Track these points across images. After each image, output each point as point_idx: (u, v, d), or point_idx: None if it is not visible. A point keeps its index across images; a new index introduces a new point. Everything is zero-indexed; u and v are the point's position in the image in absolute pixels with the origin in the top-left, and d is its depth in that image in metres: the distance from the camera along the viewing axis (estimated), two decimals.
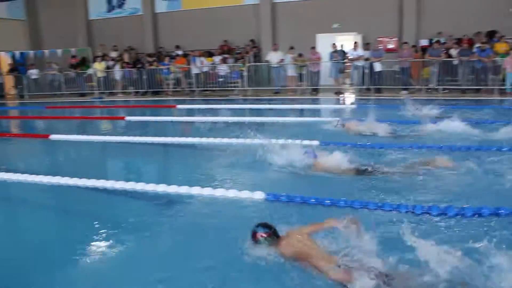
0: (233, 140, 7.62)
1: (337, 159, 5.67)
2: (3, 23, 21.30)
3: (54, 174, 6.04)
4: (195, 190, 5.10)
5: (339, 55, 15.96)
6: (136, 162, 7.47)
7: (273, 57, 16.41)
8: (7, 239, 4.38)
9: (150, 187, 5.31)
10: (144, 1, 21.11)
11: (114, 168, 7.35)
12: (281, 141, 6.14)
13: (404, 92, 14.67)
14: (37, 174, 6.10)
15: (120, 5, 22.03)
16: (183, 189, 5.16)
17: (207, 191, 5.08)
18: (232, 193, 4.96)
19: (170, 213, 4.67)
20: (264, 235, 3.37)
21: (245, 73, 16.58)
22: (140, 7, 21.44)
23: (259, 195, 4.82)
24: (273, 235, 3.39)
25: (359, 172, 5.44)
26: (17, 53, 19.00)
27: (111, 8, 22.26)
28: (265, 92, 16.50)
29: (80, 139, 9.06)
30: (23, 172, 6.23)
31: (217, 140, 7.87)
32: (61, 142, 9.10)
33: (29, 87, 19.89)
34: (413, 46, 15.70)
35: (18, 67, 20.83)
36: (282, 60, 16.25)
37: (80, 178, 5.76)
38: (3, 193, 5.99)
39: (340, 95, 15.23)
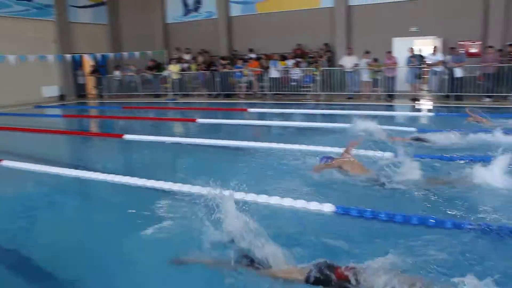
0: (303, 147, 7.75)
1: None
2: (88, 28, 23.10)
3: (123, 173, 6.46)
4: (262, 199, 5.13)
5: (416, 60, 15.71)
6: (203, 165, 7.41)
7: (347, 62, 16.50)
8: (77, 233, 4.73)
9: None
10: (219, 5, 21.94)
11: (181, 170, 7.34)
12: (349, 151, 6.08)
13: (488, 99, 14.15)
14: (108, 172, 6.56)
15: (196, 9, 23.06)
16: (250, 197, 5.13)
17: (274, 200, 5.08)
18: (300, 204, 4.95)
19: None
20: None
21: (318, 78, 16.74)
22: (215, 11, 22.32)
23: (328, 208, 4.81)
24: None
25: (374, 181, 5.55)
26: (99, 55, 20.47)
27: (187, 12, 23.35)
28: (338, 97, 16.57)
29: (152, 140, 9.50)
30: (94, 170, 6.74)
31: (287, 146, 7.94)
32: (134, 142, 9.58)
33: (108, 87, 21.28)
34: (499, 50, 15.03)
35: (99, 69, 22.38)
36: (356, 65, 16.27)
37: (148, 179, 6.07)
38: (75, 189, 6.53)
39: (416, 102, 14.95)
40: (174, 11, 23.94)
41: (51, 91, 21.64)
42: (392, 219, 4.45)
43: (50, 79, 21.68)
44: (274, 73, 17.68)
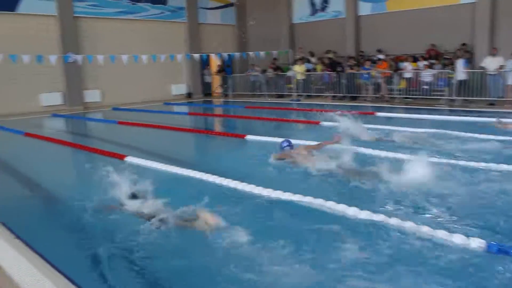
0: (435, 159, 6.98)
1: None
2: (216, 28, 24.18)
3: (233, 176, 6.31)
4: (393, 221, 4.63)
5: None
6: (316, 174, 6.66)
7: (490, 63, 15.19)
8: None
9: (325, 204, 5.16)
10: (347, 4, 21.60)
11: (290, 180, 6.62)
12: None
13: None
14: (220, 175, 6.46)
15: (323, 8, 22.91)
16: (379, 217, 4.73)
17: (409, 225, 4.50)
18: (441, 234, 4.30)
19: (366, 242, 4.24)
20: None
21: (454, 81, 15.57)
22: (343, 10, 21.97)
23: (477, 243, 4.06)
24: None
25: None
26: (225, 55, 21.22)
27: (314, 12, 23.28)
28: (477, 103, 15.28)
29: (272, 141, 9.16)
30: (208, 172, 6.67)
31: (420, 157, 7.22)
32: (254, 143, 9.46)
33: (233, 86, 21.98)
34: None
35: (225, 68, 23.23)
36: (501, 67, 14.83)
37: (257, 185, 5.89)
38: (185, 189, 6.30)
39: None
40: (301, 11, 24.05)
41: (179, 89, 23.02)
42: None
43: (179, 77, 23.05)
44: (406, 75, 16.88)
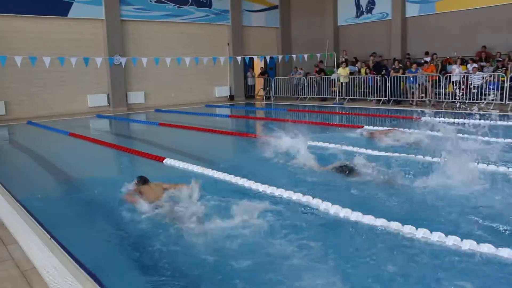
0: (485, 166, 6.84)
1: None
2: (260, 31, 24.23)
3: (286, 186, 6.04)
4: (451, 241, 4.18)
5: None
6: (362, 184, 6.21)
7: None
8: None
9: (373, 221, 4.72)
10: (394, 6, 21.18)
11: (329, 189, 6.17)
12: None
13: None
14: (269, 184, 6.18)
15: (370, 10, 22.50)
16: (435, 237, 4.28)
17: (468, 245, 4.12)
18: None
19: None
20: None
21: (506, 84, 14.87)
22: (389, 12, 21.52)
23: None
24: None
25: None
26: (268, 57, 21.14)
27: (360, 13, 22.90)
28: None
29: (314, 145, 8.95)
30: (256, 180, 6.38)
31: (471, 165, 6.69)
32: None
33: (276, 89, 21.93)
34: None
35: (268, 71, 23.21)
36: None
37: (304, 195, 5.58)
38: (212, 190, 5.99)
39: None
40: (346, 13, 23.75)
41: (222, 91, 23.18)
42: None
43: (222, 80, 23.20)
44: (454, 78, 16.27)
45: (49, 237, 4.51)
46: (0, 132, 14.61)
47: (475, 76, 15.92)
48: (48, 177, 7.88)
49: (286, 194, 5.76)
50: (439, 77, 16.73)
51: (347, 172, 6.43)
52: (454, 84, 16.37)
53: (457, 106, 15.80)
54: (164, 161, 8.08)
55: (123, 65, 17.81)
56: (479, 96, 15.83)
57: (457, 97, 16.10)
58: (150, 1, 20.47)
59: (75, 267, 3.79)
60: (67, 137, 12.14)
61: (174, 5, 21.20)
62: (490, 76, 15.65)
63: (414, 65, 17.71)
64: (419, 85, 17.17)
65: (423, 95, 17.20)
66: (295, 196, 5.63)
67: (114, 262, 4.21)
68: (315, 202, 5.37)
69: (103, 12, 18.99)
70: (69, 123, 15.54)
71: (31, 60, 14.50)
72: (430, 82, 16.95)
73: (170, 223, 4.81)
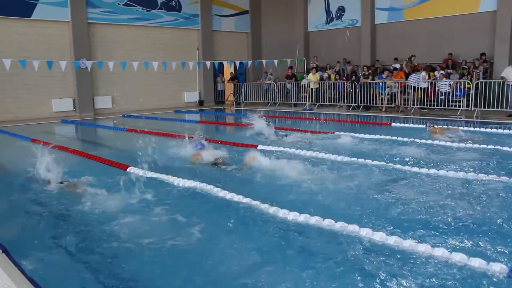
0: (459, 174, 6.95)
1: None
2: (230, 35, 24.17)
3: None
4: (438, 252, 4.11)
5: None
6: (347, 194, 6.19)
7: (510, 73, 14.64)
8: None
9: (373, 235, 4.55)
10: (363, 12, 21.49)
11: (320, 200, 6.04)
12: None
13: None
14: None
15: (339, 17, 22.72)
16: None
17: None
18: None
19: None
20: None
21: (472, 91, 15.17)
22: (359, 19, 21.77)
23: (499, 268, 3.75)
24: None
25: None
26: (237, 62, 21.09)
27: (330, 20, 23.10)
28: (495, 115, 14.89)
29: (284, 152, 9.13)
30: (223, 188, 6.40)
31: (442, 172, 7.07)
32: (266, 153, 8.95)
33: (246, 94, 21.85)
34: None
35: (238, 76, 23.12)
36: None
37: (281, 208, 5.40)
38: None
39: None
40: (316, 19, 23.93)
41: (191, 96, 22.95)
42: None
43: (192, 85, 22.98)
44: (422, 84, 16.51)
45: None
46: None
47: (442, 83, 16.19)
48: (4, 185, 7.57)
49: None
50: (407, 84, 16.95)
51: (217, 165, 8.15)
52: (422, 91, 16.64)
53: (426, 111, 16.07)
54: (128, 169, 7.87)
55: (89, 69, 17.41)
56: (446, 103, 16.11)
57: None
58: (118, 4, 20.12)
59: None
60: (28, 143, 11.73)
61: (142, 9, 20.91)
62: (457, 83, 15.96)
63: (386, 72, 17.91)
64: (391, 92, 17.40)
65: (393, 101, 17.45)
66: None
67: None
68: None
69: (69, 14, 18.54)
70: (32, 128, 15.06)
71: None
72: (399, 88, 17.16)
73: None
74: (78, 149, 10.43)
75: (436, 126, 11.76)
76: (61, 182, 6.87)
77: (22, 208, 6.06)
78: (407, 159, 8.20)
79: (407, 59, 18.67)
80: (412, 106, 16.73)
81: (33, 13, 17.80)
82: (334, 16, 23.17)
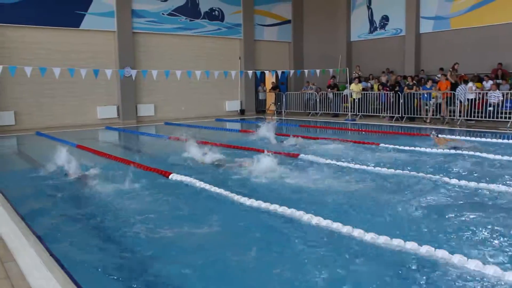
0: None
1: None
2: (272, 45, 24.27)
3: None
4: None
5: None
6: (382, 206, 5.95)
7: None
8: None
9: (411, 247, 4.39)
10: (408, 22, 21.07)
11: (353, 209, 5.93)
12: None
13: None
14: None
15: (383, 26, 22.39)
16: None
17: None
18: None
19: None
20: None
21: None
22: (403, 28, 21.41)
23: None
24: None
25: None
26: (279, 72, 21.09)
27: (373, 29, 22.82)
28: None
29: (325, 162, 8.92)
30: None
31: (492, 186, 6.70)
32: (309, 163, 8.98)
33: (287, 104, 21.83)
34: None
35: (279, 85, 23.14)
36: None
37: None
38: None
39: None
40: (359, 29, 23.67)
41: (233, 105, 23.08)
42: None
43: (233, 94, 23.13)
44: (469, 95, 16.01)
45: (49, 254, 4.36)
46: (8, 142, 14.60)
47: (492, 94, 15.65)
48: (52, 191, 7.74)
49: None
50: (453, 94, 16.48)
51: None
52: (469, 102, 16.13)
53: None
54: (170, 176, 7.93)
55: (134, 78, 17.81)
56: (495, 115, 15.55)
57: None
58: (162, 13, 20.54)
59: None
60: (74, 149, 12.04)
61: (186, 18, 21.26)
62: (507, 94, 15.40)
63: (429, 82, 17.47)
64: (436, 103, 16.96)
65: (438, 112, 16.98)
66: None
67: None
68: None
69: (115, 24, 19.07)
70: (77, 134, 15.49)
71: (41, 71, 14.51)
72: (445, 99, 16.70)
73: None
74: (122, 156, 10.60)
75: (440, 136, 11.76)
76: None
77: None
78: (457, 172, 7.93)
79: (451, 68, 18.20)
80: (458, 117, 16.26)
81: (81, 24, 18.40)
82: (377, 26, 22.86)
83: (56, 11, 17.81)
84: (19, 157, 12.39)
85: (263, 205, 5.89)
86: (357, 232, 4.75)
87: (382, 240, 4.55)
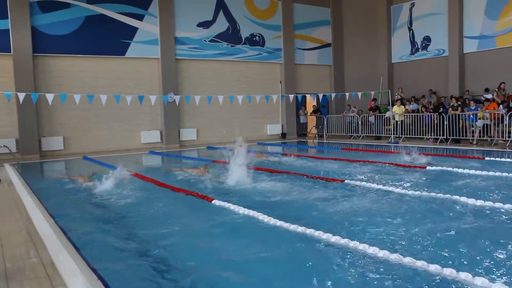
0: None
1: None
2: (313, 68, 24.30)
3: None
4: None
5: None
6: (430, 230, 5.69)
7: None
8: None
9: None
10: (451, 42, 20.69)
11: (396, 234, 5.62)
12: None
13: None
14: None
15: (425, 47, 22.09)
16: None
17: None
18: None
19: None
20: None
21: None
22: (446, 48, 21.02)
23: None
24: None
25: None
26: (320, 95, 21.04)
27: (415, 51, 22.56)
28: None
29: (371, 187, 8.62)
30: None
31: None
32: (354, 188, 8.69)
33: (328, 127, 21.69)
34: None
35: (320, 109, 23.05)
36: None
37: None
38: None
39: None
40: (400, 51, 23.44)
41: (274, 129, 23.13)
42: None
43: (275, 118, 23.19)
44: None
45: (96, 278, 4.41)
46: (57, 166, 15.08)
47: None
48: (101, 215, 7.89)
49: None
50: (502, 114, 15.96)
51: None
52: None
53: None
54: (213, 202, 7.93)
55: (177, 103, 18.15)
56: None
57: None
58: (205, 40, 20.97)
59: None
60: (127, 174, 12.25)
61: (227, 44, 21.62)
62: None
63: (472, 103, 17.03)
64: (483, 124, 16.45)
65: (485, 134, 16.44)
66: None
67: None
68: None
69: (159, 51, 19.60)
70: (122, 158, 15.82)
71: (88, 98, 15.00)
72: (493, 120, 16.18)
73: None
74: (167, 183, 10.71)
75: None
76: None
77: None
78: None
79: (497, 88, 17.66)
80: (507, 138, 15.70)
81: (127, 52, 19.01)
82: (419, 47, 22.56)
83: (103, 40, 18.50)
84: (68, 182, 12.70)
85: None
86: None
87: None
